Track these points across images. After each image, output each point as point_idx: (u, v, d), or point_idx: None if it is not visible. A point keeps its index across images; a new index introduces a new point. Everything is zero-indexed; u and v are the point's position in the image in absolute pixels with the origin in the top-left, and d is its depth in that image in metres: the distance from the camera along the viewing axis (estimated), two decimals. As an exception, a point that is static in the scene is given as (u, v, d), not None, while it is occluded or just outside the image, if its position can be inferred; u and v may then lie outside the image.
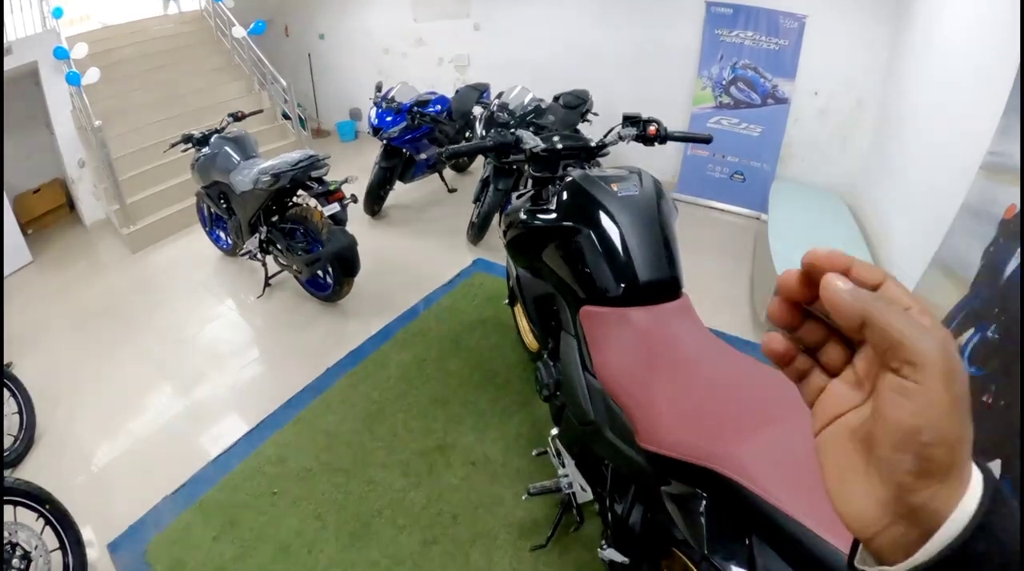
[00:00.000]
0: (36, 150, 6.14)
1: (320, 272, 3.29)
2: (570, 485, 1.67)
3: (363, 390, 2.67)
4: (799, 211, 3.60)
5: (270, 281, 3.63)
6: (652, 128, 1.77)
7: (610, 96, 4.48)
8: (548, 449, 1.84)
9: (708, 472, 0.91)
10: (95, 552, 2.09)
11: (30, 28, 5.46)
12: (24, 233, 5.08)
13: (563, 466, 1.70)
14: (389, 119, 4.26)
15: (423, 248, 4.10)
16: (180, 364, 3.12)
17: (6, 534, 1.86)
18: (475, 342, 2.94)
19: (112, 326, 3.57)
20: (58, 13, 5.32)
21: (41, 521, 1.98)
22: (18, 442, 2.60)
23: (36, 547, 1.92)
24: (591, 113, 4.34)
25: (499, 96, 4.01)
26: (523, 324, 2.60)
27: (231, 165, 3.45)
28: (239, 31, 5.99)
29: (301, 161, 3.13)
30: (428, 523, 2.01)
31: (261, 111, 4.47)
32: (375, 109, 4.33)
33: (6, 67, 5.07)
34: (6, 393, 2.64)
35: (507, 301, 2.67)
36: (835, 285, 0.31)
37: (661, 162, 4.56)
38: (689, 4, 4.15)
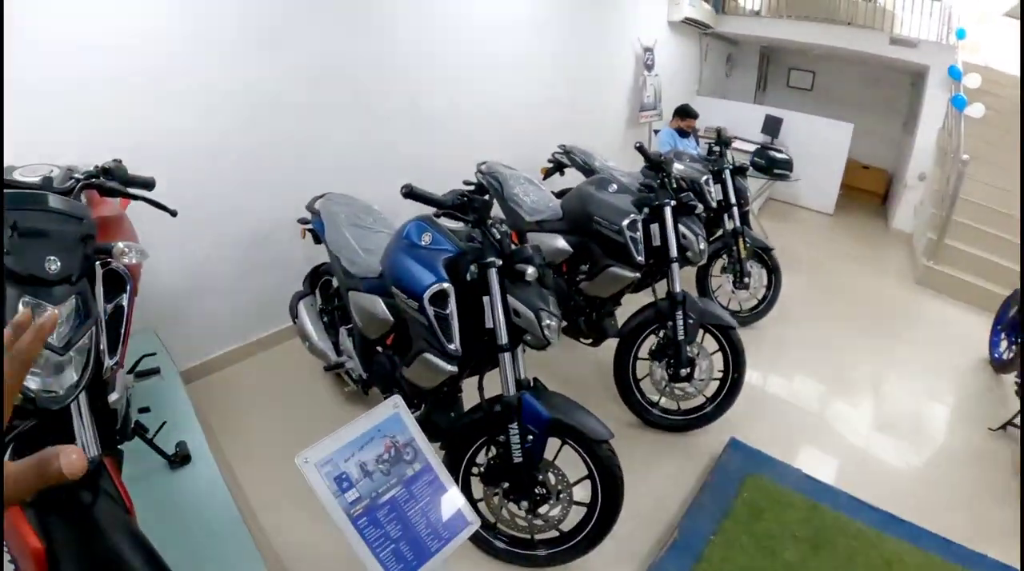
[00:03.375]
0: (883, 136, 6.87)
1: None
2: None
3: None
4: None
5: (1013, 421, 2.87)
6: None
7: None
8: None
9: None
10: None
11: (924, 34, 5.78)
12: (839, 191, 6.06)
13: None
14: None
15: None
16: (897, 403, 3.04)
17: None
18: None
19: (865, 317, 3.83)
20: (961, 34, 5.33)
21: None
22: (753, 312, 3.44)
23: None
24: None
25: None
26: None
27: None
28: None
29: None
30: None
31: None
32: None
33: (906, 58, 5.66)
34: (765, 271, 3.38)
35: None
36: None
37: None
38: None
